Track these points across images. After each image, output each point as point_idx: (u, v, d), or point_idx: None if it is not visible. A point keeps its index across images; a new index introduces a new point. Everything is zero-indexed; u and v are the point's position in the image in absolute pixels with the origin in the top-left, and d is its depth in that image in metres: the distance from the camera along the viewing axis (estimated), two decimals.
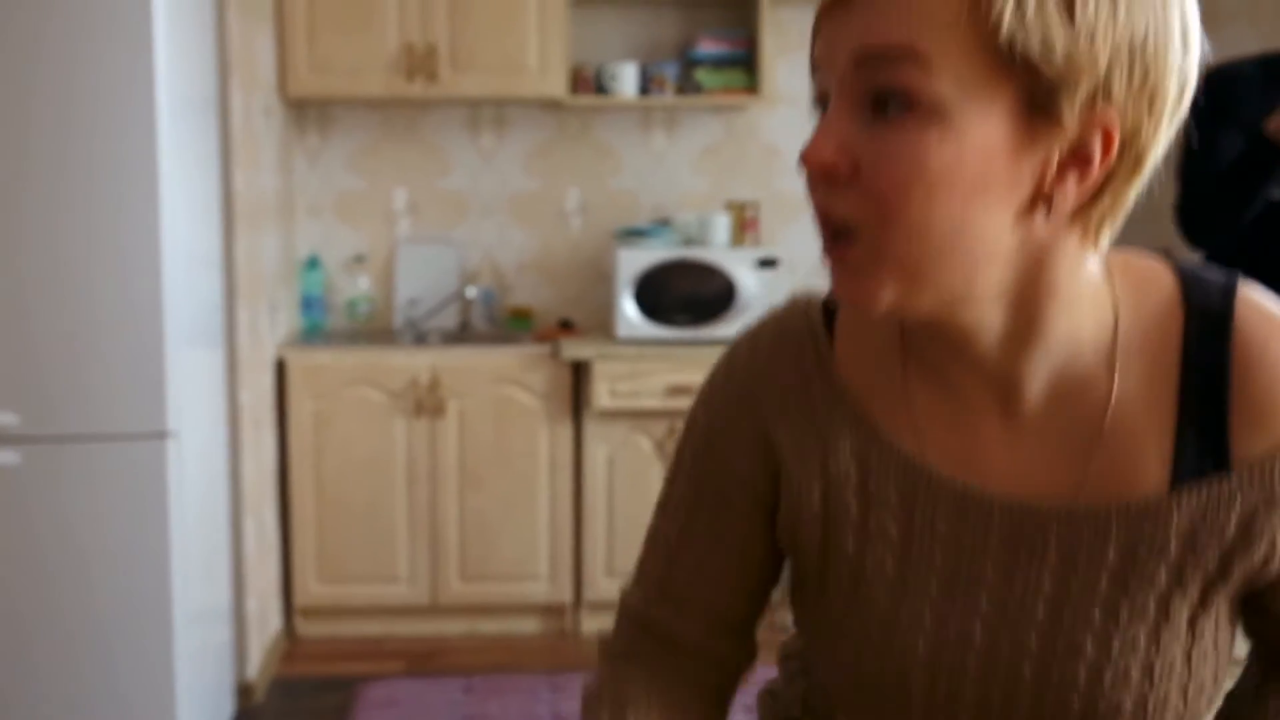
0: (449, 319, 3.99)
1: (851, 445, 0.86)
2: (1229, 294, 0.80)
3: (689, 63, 3.93)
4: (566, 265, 4.15)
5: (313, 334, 3.89)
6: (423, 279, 4.04)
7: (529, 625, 3.77)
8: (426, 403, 3.59)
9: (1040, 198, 0.73)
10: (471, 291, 3.94)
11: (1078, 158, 0.72)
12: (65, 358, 2.61)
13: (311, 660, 3.56)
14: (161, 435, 2.66)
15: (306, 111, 4.03)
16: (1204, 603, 0.80)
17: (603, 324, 4.04)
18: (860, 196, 0.72)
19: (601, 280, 4.13)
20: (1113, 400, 0.80)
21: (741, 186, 4.14)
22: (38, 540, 2.65)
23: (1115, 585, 0.80)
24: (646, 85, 3.88)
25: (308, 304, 3.95)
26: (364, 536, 3.64)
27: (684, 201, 4.13)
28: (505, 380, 3.61)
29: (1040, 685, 0.81)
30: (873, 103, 0.72)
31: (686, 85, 3.91)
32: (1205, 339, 0.79)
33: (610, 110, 4.08)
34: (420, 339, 3.86)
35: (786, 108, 4.12)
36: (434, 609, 3.70)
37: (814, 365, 0.88)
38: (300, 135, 4.04)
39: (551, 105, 4.01)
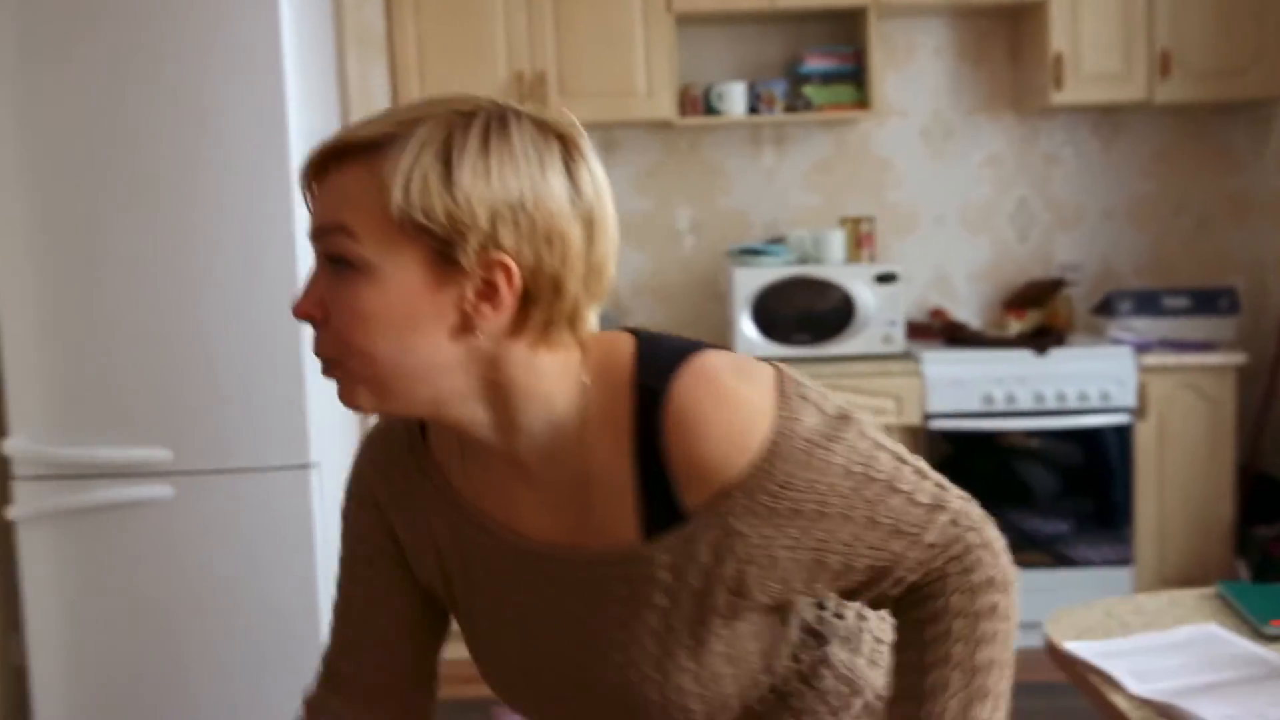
0: None
1: (446, 520, 1.08)
2: (671, 368, 0.97)
3: (797, 79, 3.94)
4: (680, 285, 4.18)
5: None
6: None
7: None
8: None
9: (467, 322, 0.92)
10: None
11: (487, 290, 0.92)
12: (213, 396, 2.71)
13: (452, 683, 3.62)
14: (304, 466, 2.75)
15: None
16: (701, 614, 1.00)
17: (720, 343, 4.05)
18: (330, 335, 0.94)
19: (716, 299, 4.15)
20: (588, 468, 0.99)
21: (854, 201, 4.13)
22: (190, 567, 2.75)
23: (628, 609, 1.01)
24: (755, 103, 3.90)
25: None
26: None
27: (796, 218, 4.14)
28: None
29: (615, 690, 1.04)
30: (331, 264, 0.93)
31: (795, 102, 3.91)
32: (646, 412, 0.96)
33: (719, 129, 4.10)
34: None
35: (898, 120, 4.10)
36: None
37: (414, 465, 1.09)
38: None
39: (660, 126, 4.05)
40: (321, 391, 2.78)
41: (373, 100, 3.59)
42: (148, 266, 2.69)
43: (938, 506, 1.02)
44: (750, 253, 3.83)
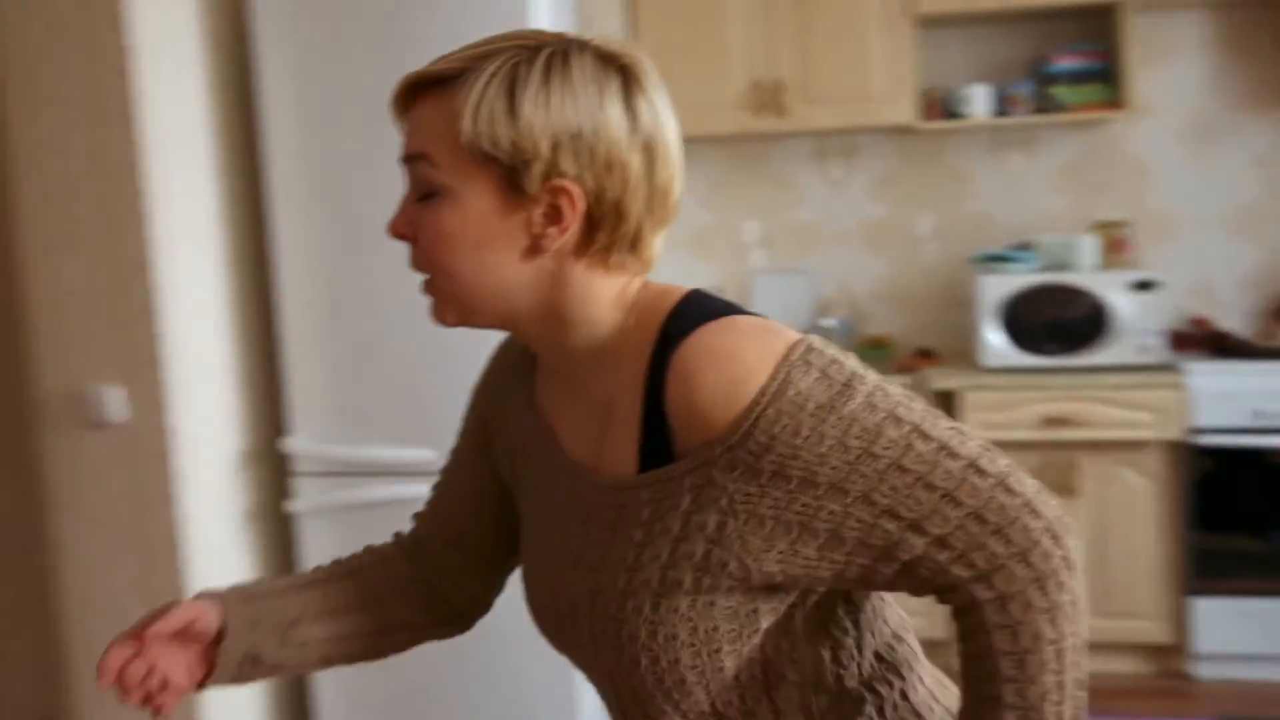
0: None
1: (526, 425, 1.17)
2: (697, 322, 0.99)
3: (1043, 79, 3.81)
4: (921, 292, 4.10)
5: None
6: (780, 310, 4.10)
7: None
8: None
9: (536, 244, 1.00)
10: (829, 321, 3.97)
11: (553, 214, 1.00)
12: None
13: None
14: None
15: None
16: (674, 560, 0.99)
17: (963, 352, 3.96)
18: (419, 253, 1.03)
19: (958, 306, 4.05)
20: (611, 397, 1.06)
21: (1108, 205, 3.96)
22: None
23: (607, 535, 1.04)
24: (1000, 105, 3.79)
25: None
26: None
27: (1043, 223, 4.00)
28: None
29: (598, 620, 1.05)
30: (419, 187, 1.02)
31: (1043, 102, 3.79)
32: (662, 355, 1.00)
33: (961, 133, 4.01)
34: None
35: (1154, 120, 3.91)
36: None
37: (520, 373, 1.20)
38: None
39: (900, 131, 3.98)
40: None
41: None
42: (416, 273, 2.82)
43: (956, 500, 0.94)
44: (995, 259, 3.73)
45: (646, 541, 1.01)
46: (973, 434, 0.97)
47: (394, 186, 2.78)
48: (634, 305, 1.05)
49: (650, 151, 1.01)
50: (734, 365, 0.96)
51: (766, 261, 4.18)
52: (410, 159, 1.02)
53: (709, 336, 0.98)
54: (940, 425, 0.96)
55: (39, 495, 2.83)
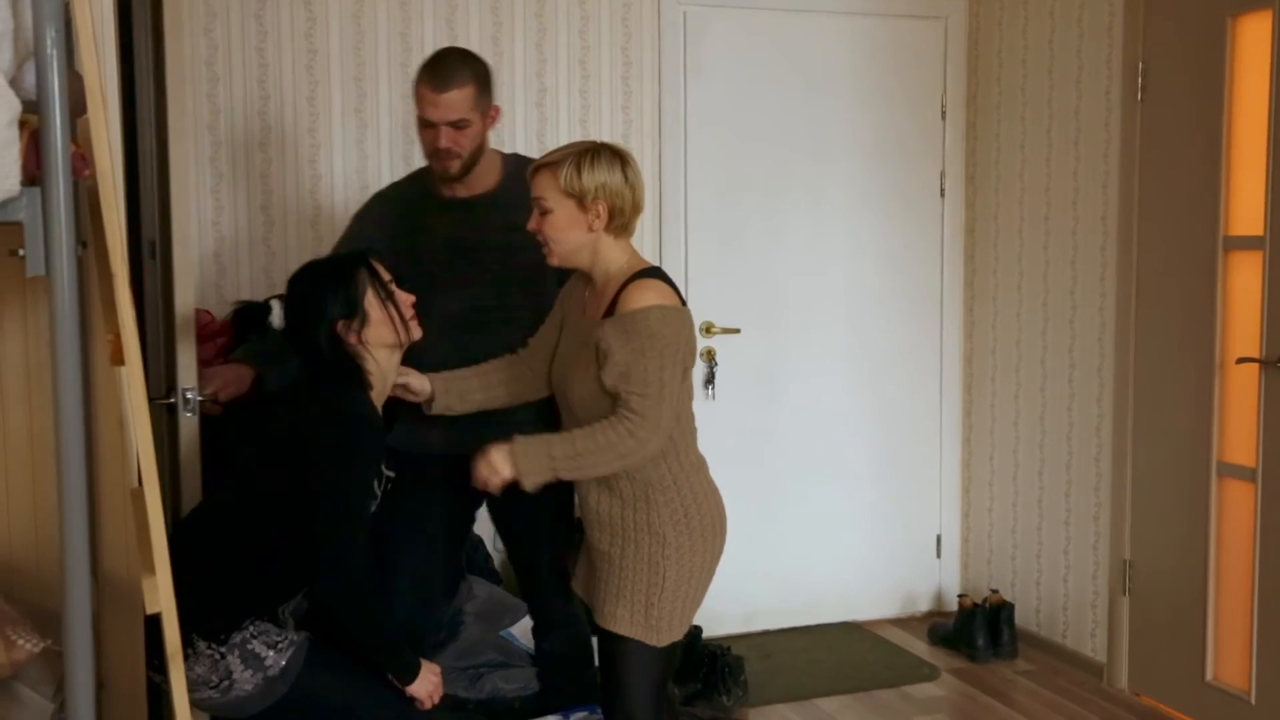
0: None
1: (573, 304, 2.58)
2: (644, 275, 2.42)
3: None
4: None
5: None
6: None
7: None
8: None
9: (591, 226, 2.41)
10: None
11: (597, 214, 2.41)
12: None
13: None
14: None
15: None
16: (589, 356, 2.41)
17: None
18: (545, 238, 2.46)
19: None
20: (605, 295, 2.45)
21: None
22: None
23: (580, 343, 2.47)
24: None
25: None
26: None
27: None
28: None
29: (570, 385, 2.50)
30: (540, 208, 2.47)
31: None
32: (628, 283, 2.42)
33: None
34: None
35: None
36: None
37: (576, 287, 2.59)
38: None
39: None
40: None
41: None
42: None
43: (646, 379, 2.33)
44: None
45: (583, 346, 2.45)
46: (670, 390, 2.35)
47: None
48: (628, 261, 2.45)
49: (633, 190, 2.42)
50: (643, 296, 2.37)
51: None
52: (536, 200, 2.44)
53: (644, 283, 2.40)
54: (664, 378, 2.33)
55: None
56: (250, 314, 2.58)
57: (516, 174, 2.84)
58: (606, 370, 2.32)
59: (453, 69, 2.82)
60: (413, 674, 2.43)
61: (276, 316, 2.55)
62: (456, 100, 2.79)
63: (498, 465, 2.33)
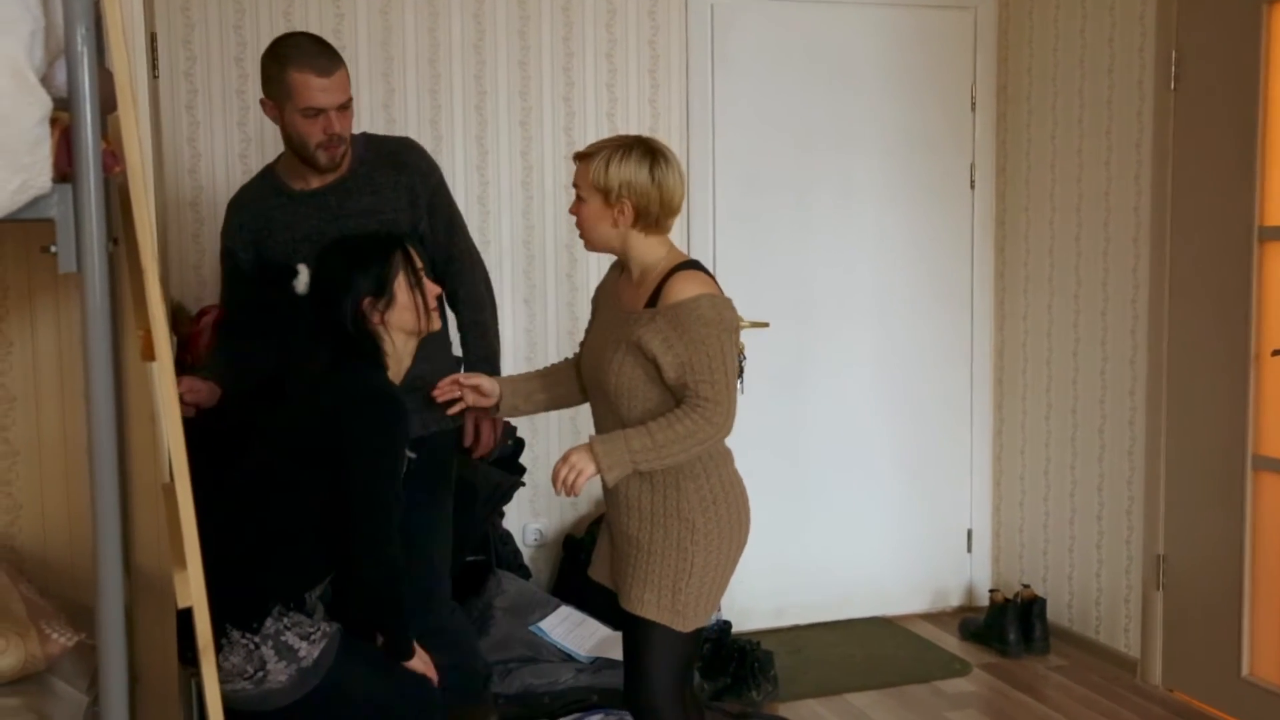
0: None
1: (614, 294, 2.56)
2: (685, 268, 2.42)
3: None
4: None
5: None
6: None
7: None
8: None
9: (617, 221, 2.41)
10: None
11: (623, 210, 2.40)
12: None
13: None
14: None
15: None
16: (631, 349, 2.41)
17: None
18: (580, 226, 2.49)
19: None
20: (644, 286, 2.45)
21: None
22: None
23: (620, 334, 2.44)
24: None
25: None
26: None
27: None
28: None
29: (604, 376, 2.47)
30: (577, 188, 2.49)
31: None
32: (668, 276, 2.41)
33: None
34: None
35: None
36: None
37: (613, 277, 2.59)
38: None
39: None
40: None
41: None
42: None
43: (713, 370, 2.34)
44: None
45: (624, 338, 2.42)
46: (733, 373, 2.38)
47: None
48: (667, 255, 2.46)
49: (660, 189, 2.40)
50: (688, 288, 2.38)
51: None
52: (576, 185, 2.45)
53: (687, 275, 2.41)
54: (727, 363, 2.35)
55: None
56: (276, 275, 2.56)
57: (367, 156, 2.76)
58: (664, 367, 2.34)
59: (327, 49, 2.67)
60: (412, 652, 2.46)
61: (301, 282, 2.52)
62: (344, 80, 2.66)
63: (578, 464, 2.32)
